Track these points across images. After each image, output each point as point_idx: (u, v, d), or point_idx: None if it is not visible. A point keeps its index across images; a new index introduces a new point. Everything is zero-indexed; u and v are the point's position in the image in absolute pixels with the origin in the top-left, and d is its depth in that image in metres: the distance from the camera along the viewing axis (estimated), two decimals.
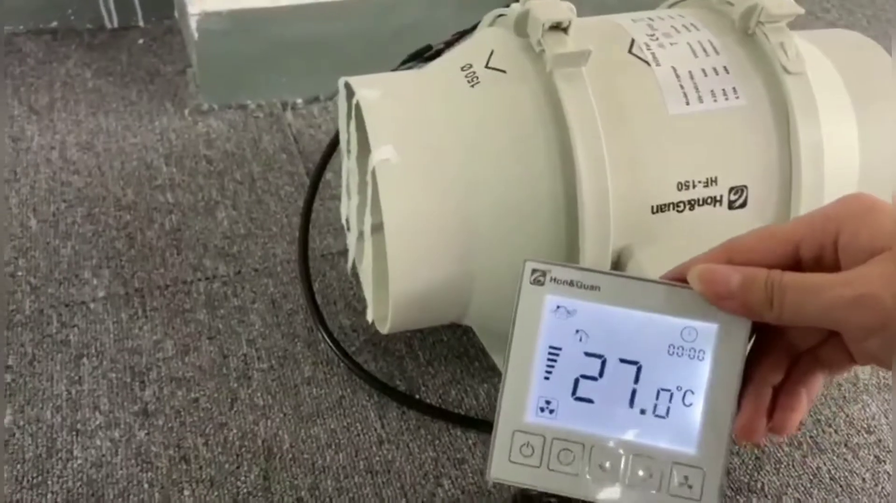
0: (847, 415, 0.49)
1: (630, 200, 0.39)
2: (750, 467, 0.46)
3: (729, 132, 0.41)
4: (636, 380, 0.30)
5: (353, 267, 0.53)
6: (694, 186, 0.40)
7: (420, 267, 0.41)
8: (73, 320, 0.52)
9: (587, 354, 0.31)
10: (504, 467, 0.31)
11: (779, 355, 0.30)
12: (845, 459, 0.47)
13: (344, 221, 0.52)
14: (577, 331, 0.31)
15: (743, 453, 0.47)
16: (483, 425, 0.48)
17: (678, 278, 0.30)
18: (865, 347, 0.27)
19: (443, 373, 0.51)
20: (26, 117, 0.69)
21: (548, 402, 0.31)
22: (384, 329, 0.45)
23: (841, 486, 0.45)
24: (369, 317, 0.47)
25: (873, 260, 0.26)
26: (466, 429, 0.48)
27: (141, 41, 0.79)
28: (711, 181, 0.40)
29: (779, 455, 0.47)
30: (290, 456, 0.46)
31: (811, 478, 0.46)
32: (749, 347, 0.30)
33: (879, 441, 0.48)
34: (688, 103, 0.40)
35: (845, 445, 0.47)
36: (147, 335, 0.52)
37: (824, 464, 0.46)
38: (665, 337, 0.30)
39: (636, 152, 0.39)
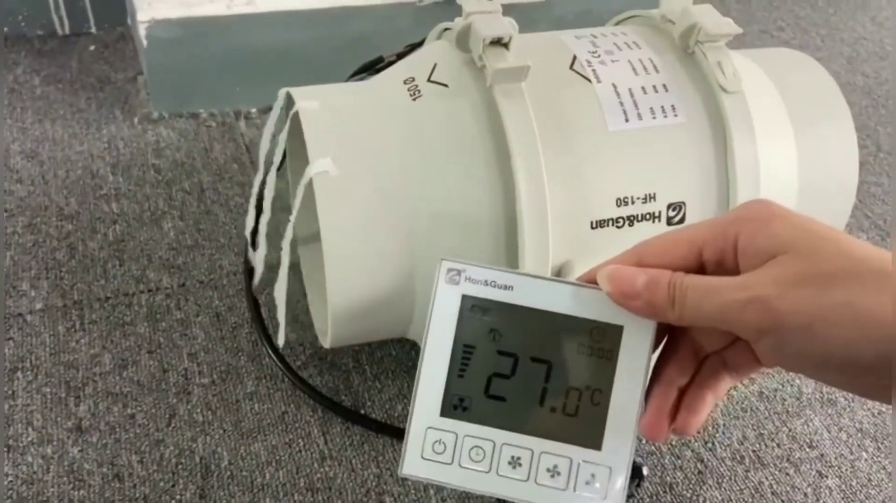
0: (790, 430, 0.50)
1: (569, 215, 0.39)
2: (693, 482, 0.46)
3: (668, 149, 0.41)
4: (546, 379, 0.31)
5: (260, 284, 0.51)
6: (633, 202, 0.40)
7: (359, 281, 0.40)
8: (9, 333, 0.51)
9: (500, 353, 0.31)
10: (416, 464, 0.31)
11: (685, 357, 0.31)
12: (787, 474, 0.47)
13: (248, 235, 0.50)
14: (491, 331, 0.31)
15: (686, 467, 0.47)
16: None
17: (590, 280, 0.31)
18: (762, 348, 0.28)
19: (389, 387, 0.50)
20: None
21: (461, 400, 0.31)
22: (326, 343, 0.45)
23: (782, 501, 0.46)
24: (280, 340, 0.45)
25: (768, 264, 0.27)
26: None
27: (92, 48, 0.78)
28: (650, 197, 0.40)
29: (721, 469, 0.47)
30: (229, 473, 0.45)
31: (753, 492, 0.46)
32: (658, 349, 0.31)
33: (822, 456, 0.48)
34: (627, 120, 0.41)
35: (787, 460, 0.48)
36: (84, 349, 0.50)
37: (766, 478, 0.47)
38: (574, 336, 0.31)
39: (575, 168, 0.39)
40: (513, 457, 0.30)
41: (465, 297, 0.31)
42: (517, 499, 0.31)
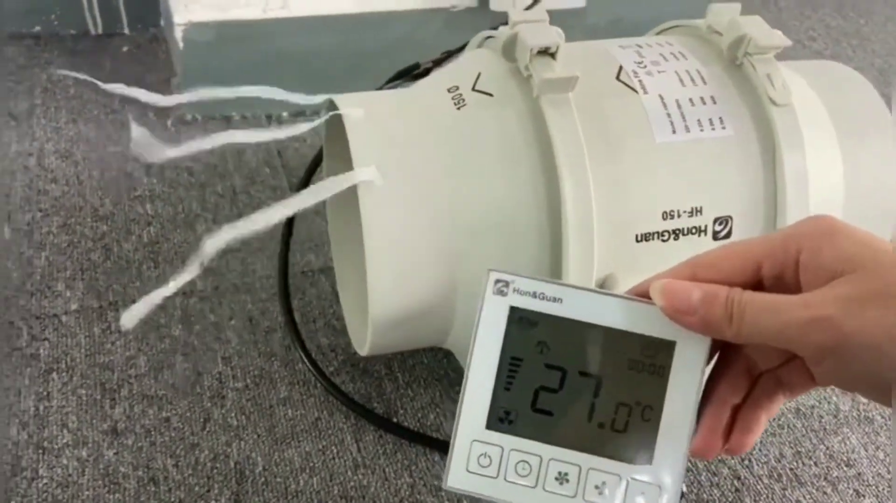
0: (827, 448, 0.49)
1: (614, 228, 0.39)
2: (730, 500, 0.46)
3: (715, 162, 0.40)
4: (595, 394, 0.30)
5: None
6: (679, 216, 0.40)
7: (401, 289, 0.40)
8: (45, 333, 0.51)
9: (548, 366, 0.30)
10: (461, 477, 0.30)
11: (739, 375, 0.30)
12: (825, 493, 0.46)
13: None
14: (539, 343, 0.30)
15: (722, 485, 0.46)
16: None
17: (641, 294, 0.30)
18: (822, 368, 0.27)
19: (422, 396, 0.50)
20: (4, 123, 0.68)
21: (507, 413, 0.30)
22: (363, 351, 0.45)
23: None
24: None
25: (833, 282, 0.26)
26: (445, 455, 0.47)
27: (125, 48, 0.78)
28: (696, 211, 0.40)
29: (758, 488, 0.46)
30: (263, 479, 0.45)
31: None
32: (710, 366, 0.30)
33: (859, 475, 0.47)
34: (674, 132, 0.40)
35: (825, 478, 0.47)
36: (120, 351, 0.51)
37: (803, 497, 0.46)
38: (625, 351, 0.30)
39: (622, 180, 0.39)
40: (560, 473, 0.30)
41: (512, 309, 0.31)
42: None
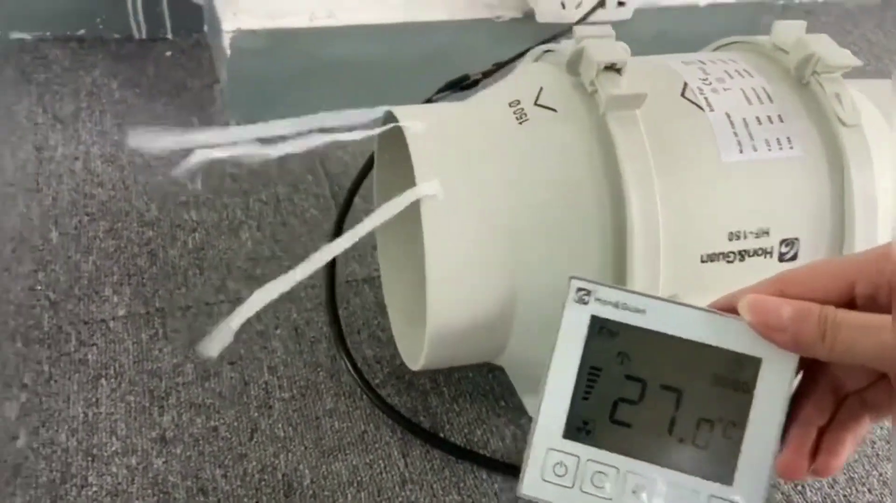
0: (880, 474, 0.48)
1: (680, 248, 0.38)
2: None
3: (783, 183, 0.40)
4: (677, 408, 0.30)
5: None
6: (745, 237, 0.39)
7: (460, 305, 0.39)
8: (93, 338, 0.51)
9: (628, 377, 0.30)
10: (536, 484, 0.30)
11: (825, 395, 0.30)
12: None
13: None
14: (620, 354, 0.30)
15: None
16: (511, 470, 0.46)
17: (726, 308, 0.30)
18: None
19: (468, 411, 0.50)
20: (51, 125, 0.68)
21: (584, 423, 0.30)
22: (415, 366, 0.44)
23: None
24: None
25: None
26: (492, 473, 0.46)
27: (168, 53, 0.79)
28: (763, 232, 0.39)
29: None
30: (311, 492, 0.44)
31: None
32: (795, 384, 0.30)
33: None
34: (741, 151, 0.39)
35: None
36: (167, 357, 0.50)
37: None
38: (709, 366, 0.29)
39: (688, 200, 0.38)
40: (637, 486, 0.30)
41: (594, 318, 0.30)
42: None
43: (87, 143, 0.67)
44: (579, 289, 0.31)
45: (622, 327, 0.30)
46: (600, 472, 0.30)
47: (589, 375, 0.30)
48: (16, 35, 0.78)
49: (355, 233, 0.38)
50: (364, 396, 0.49)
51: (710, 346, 0.29)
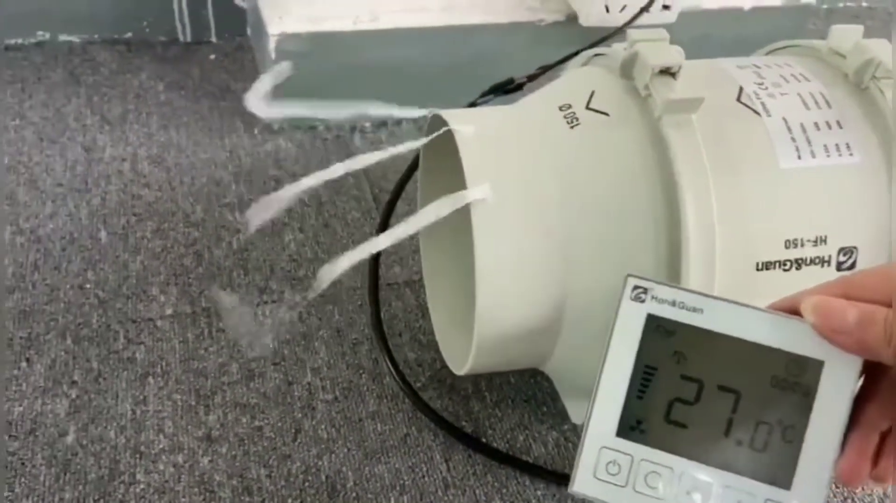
0: None
1: (735, 255, 0.37)
2: None
3: (841, 190, 0.39)
4: (734, 410, 0.29)
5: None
6: (802, 245, 0.38)
7: (509, 310, 0.39)
8: (140, 337, 0.52)
9: (684, 377, 0.30)
10: (588, 482, 0.30)
11: (888, 400, 0.29)
12: None
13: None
14: (676, 353, 0.30)
15: None
16: (553, 477, 0.46)
17: (787, 309, 0.29)
18: None
19: (510, 416, 0.49)
20: (99, 127, 0.70)
21: (638, 422, 0.30)
22: (461, 371, 0.44)
23: None
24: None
25: None
26: (535, 478, 0.46)
27: (213, 56, 0.80)
28: (821, 240, 0.38)
29: None
30: (354, 494, 0.44)
31: None
32: (857, 388, 0.29)
33: None
34: (799, 157, 0.39)
35: None
36: (213, 357, 0.51)
37: None
38: (769, 368, 0.29)
39: (745, 206, 0.38)
40: (692, 488, 0.29)
41: (650, 317, 0.30)
42: None
43: (135, 144, 0.68)
44: (636, 287, 0.30)
45: (679, 326, 0.30)
46: (654, 472, 0.29)
47: (644, 374, 0.30)
48: (64, 38, 0.79)
49: (406, 227, 0.38)
50: (406, 399, 0.49)
51: (770, 348, 0.29)
